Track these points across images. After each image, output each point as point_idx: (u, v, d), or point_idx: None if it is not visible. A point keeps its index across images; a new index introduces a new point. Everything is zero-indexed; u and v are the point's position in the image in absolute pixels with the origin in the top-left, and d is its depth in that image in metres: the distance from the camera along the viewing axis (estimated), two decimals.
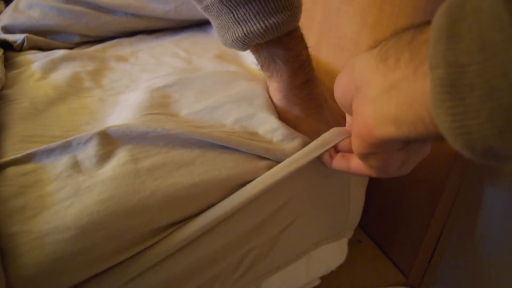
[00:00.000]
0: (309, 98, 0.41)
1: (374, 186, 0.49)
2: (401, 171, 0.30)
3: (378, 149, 0.26)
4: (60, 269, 0.28)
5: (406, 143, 0.26)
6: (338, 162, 0.35)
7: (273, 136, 0.39)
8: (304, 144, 0.38)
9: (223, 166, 0.35)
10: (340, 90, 0.29)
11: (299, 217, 0.42)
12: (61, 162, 0.35)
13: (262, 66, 0.41)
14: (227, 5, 0.36)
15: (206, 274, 0.36)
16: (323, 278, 0.52)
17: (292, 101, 0.41)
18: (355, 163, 0.33)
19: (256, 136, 0.39)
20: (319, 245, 0.47)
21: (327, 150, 0.36)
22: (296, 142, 0.38)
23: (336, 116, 0.44)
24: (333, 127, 0.38)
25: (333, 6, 0.56)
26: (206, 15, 0.40)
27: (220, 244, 0.36)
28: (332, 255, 0.50)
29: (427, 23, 0.20)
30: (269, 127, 0.40)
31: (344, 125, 0.39)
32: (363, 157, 0.28)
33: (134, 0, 0.71)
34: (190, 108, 0.43)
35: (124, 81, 0.54)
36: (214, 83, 0.47)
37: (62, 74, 0.54)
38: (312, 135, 0.39)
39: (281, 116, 0.42)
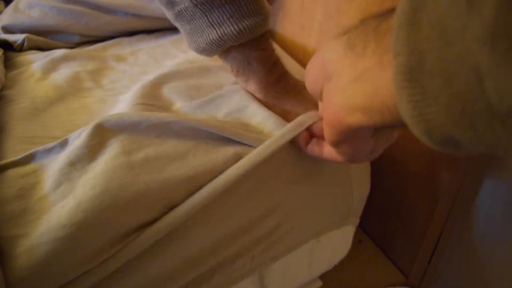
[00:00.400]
0: (287, 89, 0.43)
1: (374, 186, 0.49)
2: (370, 157, 0.30)
3: (347, 136, 0.27)
4: (57, 267, 0.28)
5: (375, 130, 0.27)
6: (312, 148, 0.36)
7: (264, 127, 0.39)
8: None
9: (216, 160, 0.35)
10: (311, 78, 0.29)
11: (298, 205, 0.42)
12: (57, 160, 0.35)
13: (238, 71, 0.43)
14: (202, 8, 0.37)
15: (204, 266, 0.37)
16: (323, 278, 0.52)
17: (274, 96, 0.43)
18: (327, 149, 0.33)
19: (249, 127, 0.40)
20: (323, 232, 0.46)
21: (300, 133, 0.36)
22: None
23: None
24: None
25: (333, 6, 0.56)
26: (177, 22, 0.41)
27: (216, 237, 0.36)
28: (335, 248, 0.50)
29: (393, 10, 0.20)
30: (260, 118, 0.40)
31: None
32: (334, 144, 0.29)
33: (134, 0, 0.71)
34: (182, 102, 0.44)
35: (124, 82, 0.54)
36: (207, 80, 0.48)
37: (62, 74, 0.54)
38: None
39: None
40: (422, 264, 0.54)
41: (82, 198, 0.30)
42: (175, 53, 0.64)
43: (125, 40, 0.72)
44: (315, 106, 0.42)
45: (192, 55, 0.61)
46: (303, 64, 0.64)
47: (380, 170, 0.49)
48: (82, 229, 0.29)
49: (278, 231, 0.41)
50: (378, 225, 0.59)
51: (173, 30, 0.76)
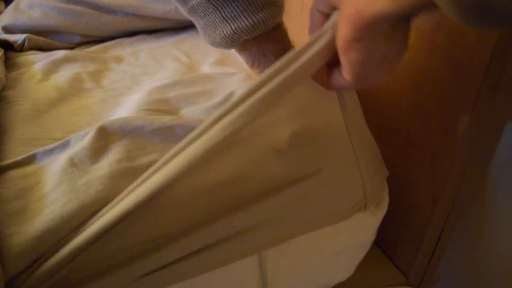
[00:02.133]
0: None
1: None
2: (380, 73, 0.29)
3: (364, 33, 0.26)
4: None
5: (394, 25, 0.26)
6: (319, 77, 0.34)
7: None
8: None
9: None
10: None
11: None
12: (59, 160, 0.35)
13: (253, 63, 0.42)
14: (214, 3, 0.37)
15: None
16: None
17: None
18: (335, 77, 0.32)
19: None
20: (337, 219, 0.44)
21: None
22: None
23: None
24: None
25: None
26: (191, 17, 0.40)
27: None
28: (339, 267, 0.50)
29: None
30: None
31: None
32: (347, 47, 0.27)
33: (134, 0, 0.71)
34: (189, 108, 0.43)
35: (125, 83, 0.54)
36: (213, 85, 0.47)
37: (63, 76, 0.54)
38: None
39: None
40: (422, 264, 0.54)
41: (86, 200, 0.30)
42: (177, 55, 0.64)
43: (126, 40, 0.73)
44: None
45: (195, 61, 0.62)
46: None
47: None
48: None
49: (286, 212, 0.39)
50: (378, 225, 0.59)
51: (173, 30, 0.77)
